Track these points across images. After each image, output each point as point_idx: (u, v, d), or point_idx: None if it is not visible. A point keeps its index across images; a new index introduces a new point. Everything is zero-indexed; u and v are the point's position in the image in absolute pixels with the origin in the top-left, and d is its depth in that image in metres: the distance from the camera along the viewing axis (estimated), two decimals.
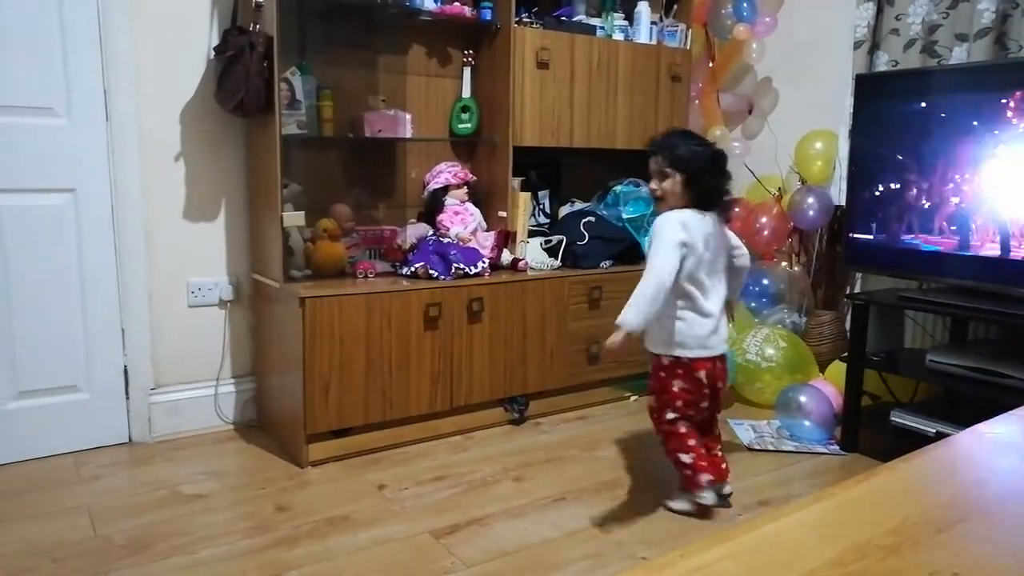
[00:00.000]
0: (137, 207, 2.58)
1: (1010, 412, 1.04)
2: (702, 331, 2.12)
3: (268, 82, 2.41)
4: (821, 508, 0.75)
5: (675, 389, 2.16)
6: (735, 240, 2.28)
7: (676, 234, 2.03)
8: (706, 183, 2.07)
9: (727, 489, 2.27)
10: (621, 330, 1.99)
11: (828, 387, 2.85)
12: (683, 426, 2.18)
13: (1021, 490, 0.83)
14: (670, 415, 2.18)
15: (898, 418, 2.56)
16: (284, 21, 2.45)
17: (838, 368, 2.86)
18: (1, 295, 2.40)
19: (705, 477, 2.15)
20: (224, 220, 2.75)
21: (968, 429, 0.98)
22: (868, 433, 2.69)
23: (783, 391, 2.82)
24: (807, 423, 2.73)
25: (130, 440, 2.66)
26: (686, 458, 2.17)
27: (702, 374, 2.14)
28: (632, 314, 1.99)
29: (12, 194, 2.38)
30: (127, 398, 2.65)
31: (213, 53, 2.53)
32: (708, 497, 2.18)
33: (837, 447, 2.71)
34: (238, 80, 2.39)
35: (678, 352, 2.13)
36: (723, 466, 2.25)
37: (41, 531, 2.05)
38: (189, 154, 2.66)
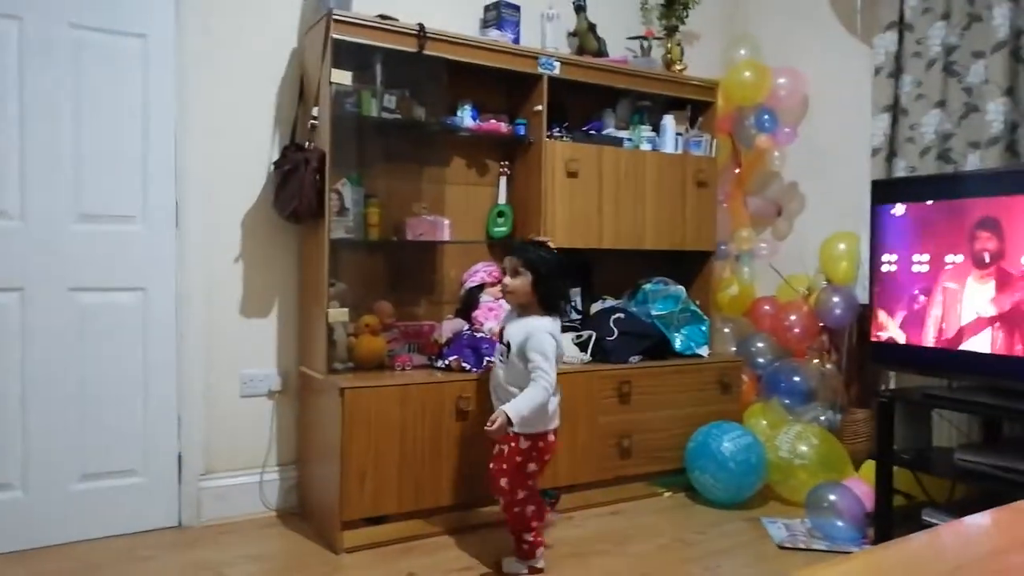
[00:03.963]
0: (199, 305, 2.83)
1: None
2: (554, 407, 2.44)
3: (320, 192, 2.67)
4: None
5: (529, 469, 2.41)
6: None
7: (553, 348, 2.37)
8: (550, 285, 2.40)
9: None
10: (504, 422, 2.25)
11: (861, 485, 2.84)
12: (531, 507, 2.43)
13: None
14: (521, 494, 2.41)
15: (930, 518, 2.53)
16: (337, 138, 2.73)
17: (872, 467, 2.85)
18: (77, 383, 2.63)
19: (540, 550, 2.47)
20: (276, 316, 2.98)
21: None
22: (902, 533, 2.64)
23: (812, 490, 2.81)
24: (839, 523, 2.71)
25: (180, 524, 2.81)
26: (528, 536, 2.44)
27: (552, 440, 2.45)
28: (520, 416, 2.26)
29: (93, 292, 2.66)
30: (179, 483, 2.81)
31: (273, 167, 2.82)
32: (541, 560, 2.47)
33: (870, 547, 2.67)
34: (293, 191, 2.66)
35: (551, 425, 2.43)
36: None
37: None
38: (247, 256, 2.92)
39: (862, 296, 3.18)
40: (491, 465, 2.44)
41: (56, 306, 2.60)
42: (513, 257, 2.41)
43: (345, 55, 2.70)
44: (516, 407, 2.27)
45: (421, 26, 2.79)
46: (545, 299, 2.41)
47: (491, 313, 3.03)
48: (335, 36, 2.65)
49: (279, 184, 2.72)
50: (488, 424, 2.27)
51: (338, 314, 2.70)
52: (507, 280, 2.41)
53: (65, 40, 2.58)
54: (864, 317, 3.21)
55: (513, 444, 2.38)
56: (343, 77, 2.68)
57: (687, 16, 3.62)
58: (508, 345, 2.39)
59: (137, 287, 2.74)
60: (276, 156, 2.86)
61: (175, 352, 2.80)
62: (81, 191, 2.63)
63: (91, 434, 2.66)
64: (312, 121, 2.71)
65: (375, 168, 3.03)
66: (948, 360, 2.56)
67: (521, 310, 2.44)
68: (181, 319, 2.80)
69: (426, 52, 2.81)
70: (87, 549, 2.59)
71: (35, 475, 2.57)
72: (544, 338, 2.33)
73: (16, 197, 2.53)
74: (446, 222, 3.04)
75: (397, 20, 2.79)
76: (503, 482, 2.39)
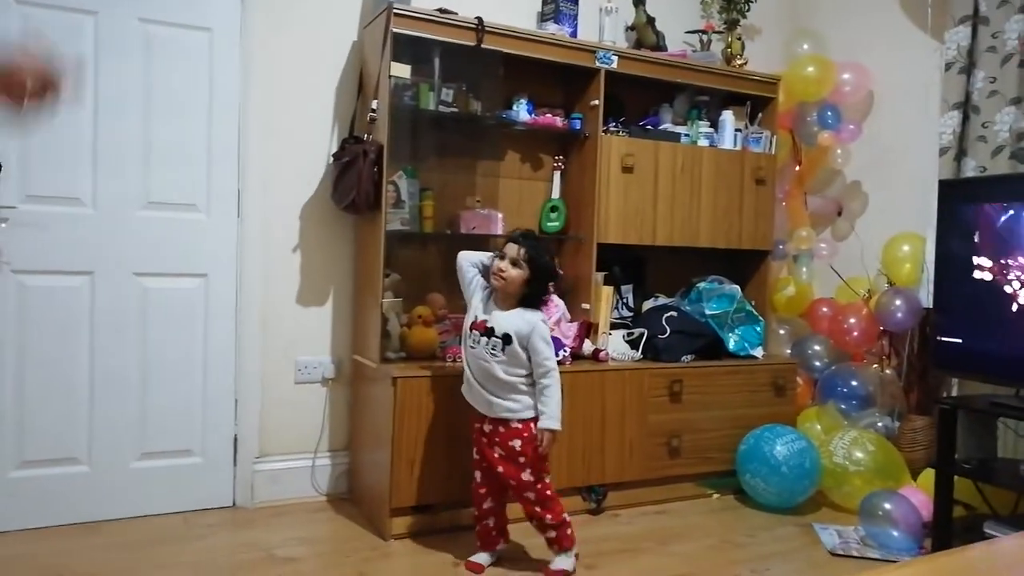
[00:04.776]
0: (257, 292, 2.90)
1: None
2: None
3: (377, 184, 2.71)
4: None
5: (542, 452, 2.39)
6: None
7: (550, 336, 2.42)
8: (540, 288, 2.42)
9: None
10: (552, 436, 2.34)
11: (918, 495, 2.75)
12: (553, 489, 2.43)
13: None
14: (547, 478, 2.41)
15: (992, 531, 2.44)
16: (394, 131, 2.76)
17: (931, 476, 2.76)
18: (139, 365, 2.73)
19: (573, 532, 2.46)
20: (332, 305, 3.04)
21: None
22: (961, 544, 2.56)
23: (866, 498, 2.74)
24: (894, 532, 2.64)
25: (234, 504, 2.89)
26: (567, 516, 2.43)
27: None
28: (559, 419, 2.35)
29: (157, 277, 2.75)
30: (235, 465, 2.89)
31: (332, 159, 2.87)
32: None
33: (928, 555, 2.59)
34: (351, 183, 2.70)
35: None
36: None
37: None
38: (305, 246, 2.98)
39: (925, 300, 3.07)
40: (500, 468, 2.37)
41: (122, 290, 2.70)
42: (520, 248, 2.35)
43: (404, 48, 2.73)
44: (552, 415, 2.33)
45: (479, 19, 2.80)
46: (530, 298, 2.41)
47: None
48: (395, 30, 2.68)
49: (337, 175, 2.77)
50: (540, 446, 2.33)
51: (392, 304, 2.74)
52: (506, 266, 2.34)
53: (136, 34, 2.67)
54: (927, 321, 3.11)
55: (526, 435, 2.35)
56: (402, 70, 2.72)
57: (748, 10, 3.56)
58: (504, 337, 2.33)
59: (199, 273, 2.82)
60: (335, 148, 2.91)
61: (233, 337, 2.88)
62: (148, 180, 2.72)
63: (152, 414, 2.75)
64: (371, 114, 2.75)
65: (430, 161, 3.06)
66: (1017, 366, 2.46)
67: (504, 299, 2.39)
68: (240, 305, 2.88)
69: (484, 46, 2.82)
70: (145, 524, 2.69)
71: (99, 451, 2.68)
72: (545, 329, 2.39)
73: (88, 185, 2.64)
74: (499, 216, 3.05)
75: (456, 14, 2.81)
76: (526, 475, 2.36)
